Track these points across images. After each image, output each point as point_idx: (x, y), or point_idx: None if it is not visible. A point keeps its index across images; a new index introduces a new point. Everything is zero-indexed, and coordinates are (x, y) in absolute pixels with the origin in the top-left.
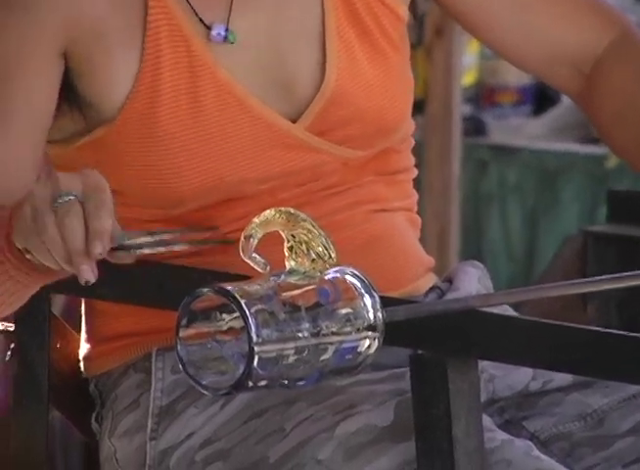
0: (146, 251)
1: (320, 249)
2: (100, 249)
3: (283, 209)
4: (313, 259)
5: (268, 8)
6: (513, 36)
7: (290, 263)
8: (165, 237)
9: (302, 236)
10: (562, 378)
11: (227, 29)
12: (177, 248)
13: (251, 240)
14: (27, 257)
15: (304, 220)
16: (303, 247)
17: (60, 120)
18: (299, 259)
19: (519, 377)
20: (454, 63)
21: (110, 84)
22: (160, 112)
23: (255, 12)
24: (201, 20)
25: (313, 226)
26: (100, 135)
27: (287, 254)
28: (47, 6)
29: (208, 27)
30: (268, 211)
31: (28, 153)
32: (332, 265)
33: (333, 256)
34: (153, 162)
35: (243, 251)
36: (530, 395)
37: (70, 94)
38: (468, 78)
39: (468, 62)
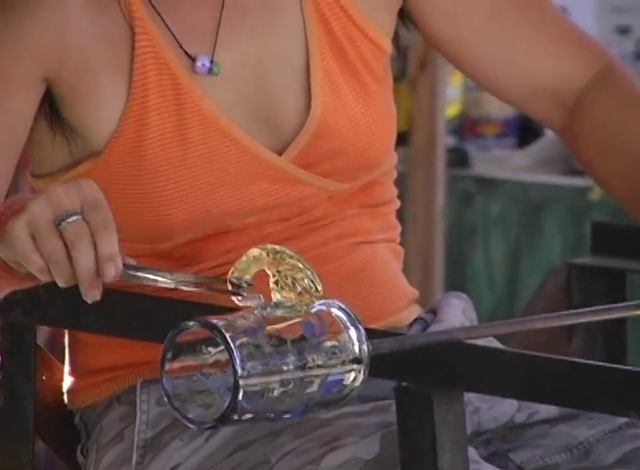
0: (150, 276)
1: (306, 282)
2: (113, 272)
3: (269, 246)
4: (300, 293)
5: (254, 40)
6: (494, 69)
7: (275, 296)
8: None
9: (288, 271)
10: (547, 410)
11: (212, 61)
12: (180, 285)
13: (241, 282)
14: (11, 265)
15: (291, 257)
16: (289, 280)
17: (47, 152)
18: (285, 293)
19: (504, 409)
20: (438, 95)
21: (97, 117)
22: (148, 144)
23: (241, 44)
24: (185, 51)
25: (299, 261)
26: (87, 169)
27: (272, 287)
28: (33, 31)
29: (193, 59)
30: (254, 250)
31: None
32: (318, 298)
33: (319, 288)
34: (140, 194)
35: (231, 293)
36: (516, 427)
37: (57, 123)
38: (451, 110)
39: (451, 94)
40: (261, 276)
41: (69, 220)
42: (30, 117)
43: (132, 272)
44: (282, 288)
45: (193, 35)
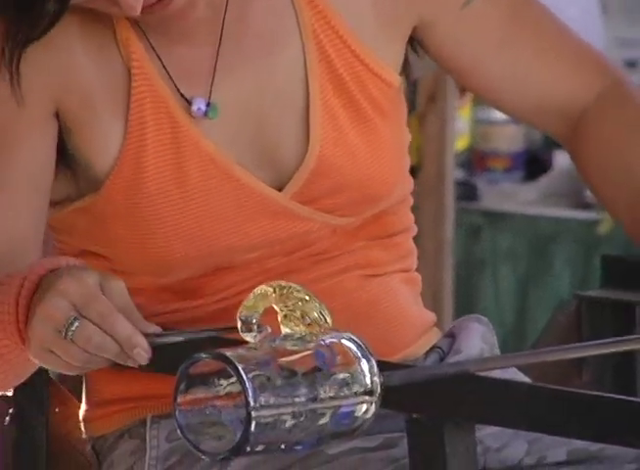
0: (174, 339)
1: (315, 314)
2: (145, 355)
3: (274, 283)
4: (309, 324)
5: (251, 78)
6: (506, 89)
7: (284, 330)
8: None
9: (296, 305)
10: (556, 454)
11: (208, 104)
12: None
13: (252, 321)
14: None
15: (298, 291)
16: (298, 313)
17: (55, 182)
18: (294, 326)
19: (513, 451)
20: (447, 129)
21: (96, 152)
22: (145, 182)
23: (238, 83)
24: (181, 94)
25: (307, 294)
26: (88, 202)
27: (281, 320)
28: (37, 70)
29: (189, 102)
30: (260, 288)
31: (32, 219)
32: (327, 330)
33: (328, 320)
34: (140, 230)
35: (241, 330)
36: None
37: (62, 154)
38: (460, 144)
39: (460, 127)
40: (270, 312)
41: (73, 328)
42: (52, 159)
43: (159, 340)
44: (291, 321)
45: (189, 77)
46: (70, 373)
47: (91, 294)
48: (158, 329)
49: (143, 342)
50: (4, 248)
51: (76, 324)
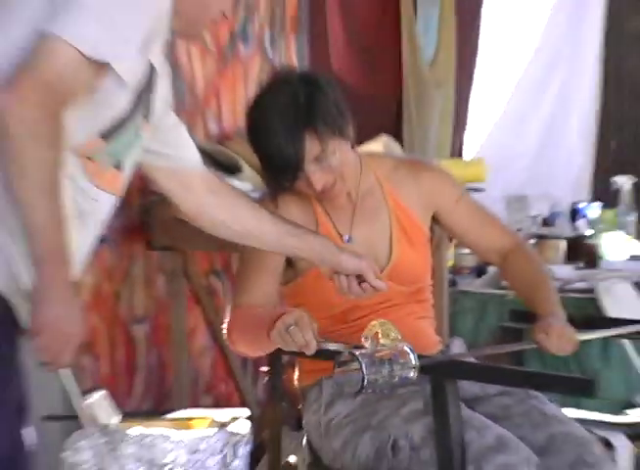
0: (331, 347)
1: (394, 334)
2: (312, 348)
3: (378, 320)
4: (392, 339)
5: (368, 223)
6: (472, 240)
7: (381, 341)
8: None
9: (388, 331)
10: (493, 389)
11: (350, 237)
12: (342, 348)
13: (369, 339)
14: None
15: (387, 323)
16: (388, 334)
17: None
18: (385, 340)
19: (473, 390)
20: (443, 257)
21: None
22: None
23: (362, 226)
24: (338, 232)
25: (391, 325)
26: (298, 284)
27: (380, 337)
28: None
29: (341, 235)
30: (373, 323)
31: (274, 289)
32: (399, 341)
33: (399, 337)
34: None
35: (364, 340)
36: (478, 396)
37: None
38: (450, 262)
39: (449, 255)
40: (376, 333)
41: (291, 329)
42: (284, 258)
43: (322, 344)
44: (384, 337)
45: (341, 222)
46: (284, 348)
47: (302, 317)
48: (321, 340)
49: (314, 344)
50: (264, 301)
51: (292, 327)
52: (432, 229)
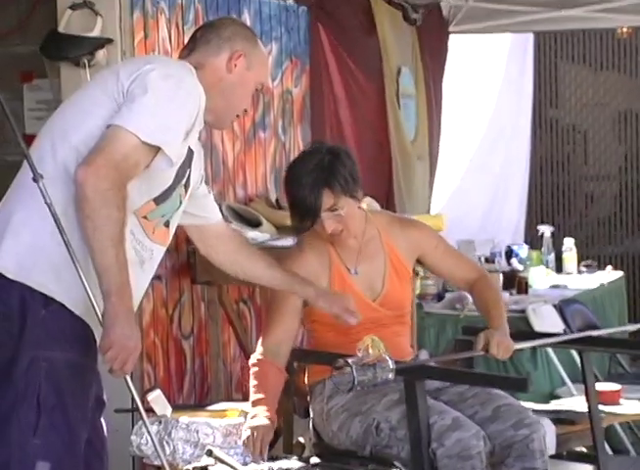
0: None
1: (381, 346)
2: None
3: (370, 335)
4: (378, 350)
5: (369, 262)
6: (446, 273)
7: (370, 352)
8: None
9: (376, 344)
10: (450, 384)
11: (356, 271)
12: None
13: (362, 350)
14: None
15: (375, 339)
16: (376, 346)
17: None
18: (373, 351)
19: (436, 384)
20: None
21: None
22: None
23: (365, 263)
24: (347, 267)
25: (379, 340)
26: (312, 308)
27: (369, 348)
28: (306, 265)
29: (349, 269)
30: (365, 338)
31: (292, 329)
32: (384, 352)
33: (384, 349)
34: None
35: (359, 351)
36: (439, 388)
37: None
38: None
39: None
40: (367, 346)
41: (248, 435)
42: (302, 301)
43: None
44: (373, 349)
45: (349, 260)
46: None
47: (259, 428)
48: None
49: (257, 453)
50: (283, 336)
51: (249, 435)
52: (413, 269)
